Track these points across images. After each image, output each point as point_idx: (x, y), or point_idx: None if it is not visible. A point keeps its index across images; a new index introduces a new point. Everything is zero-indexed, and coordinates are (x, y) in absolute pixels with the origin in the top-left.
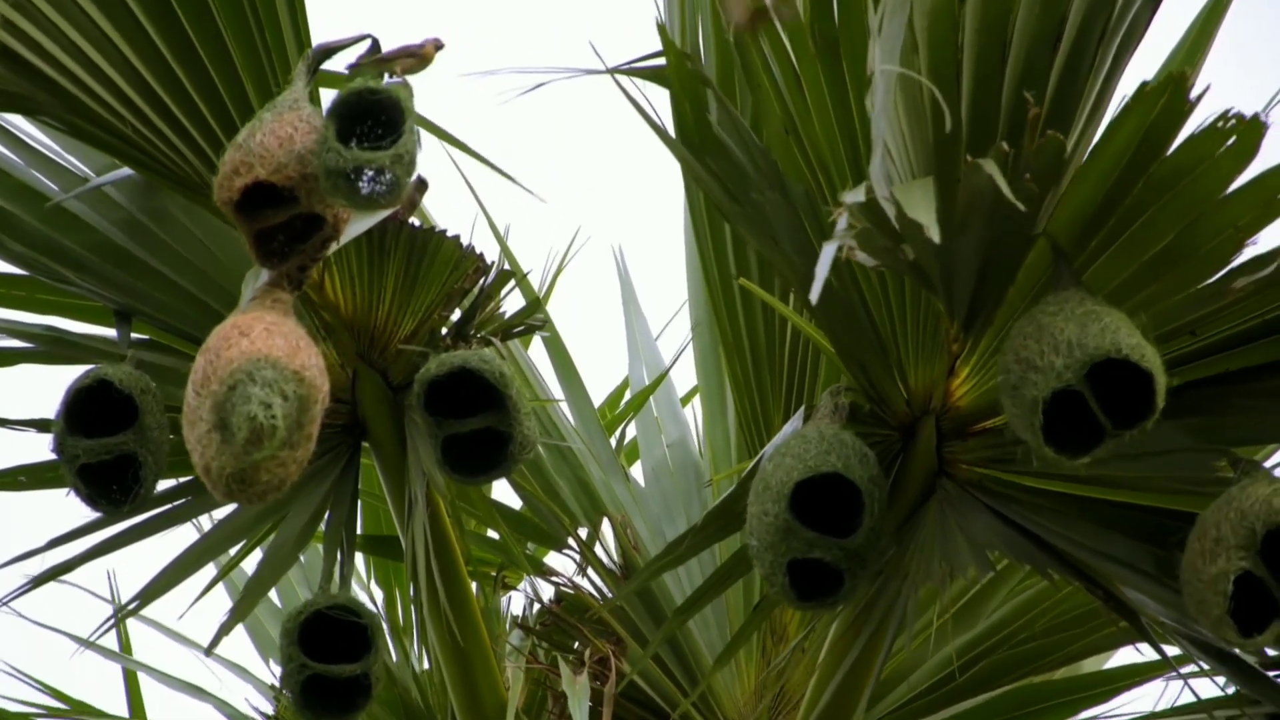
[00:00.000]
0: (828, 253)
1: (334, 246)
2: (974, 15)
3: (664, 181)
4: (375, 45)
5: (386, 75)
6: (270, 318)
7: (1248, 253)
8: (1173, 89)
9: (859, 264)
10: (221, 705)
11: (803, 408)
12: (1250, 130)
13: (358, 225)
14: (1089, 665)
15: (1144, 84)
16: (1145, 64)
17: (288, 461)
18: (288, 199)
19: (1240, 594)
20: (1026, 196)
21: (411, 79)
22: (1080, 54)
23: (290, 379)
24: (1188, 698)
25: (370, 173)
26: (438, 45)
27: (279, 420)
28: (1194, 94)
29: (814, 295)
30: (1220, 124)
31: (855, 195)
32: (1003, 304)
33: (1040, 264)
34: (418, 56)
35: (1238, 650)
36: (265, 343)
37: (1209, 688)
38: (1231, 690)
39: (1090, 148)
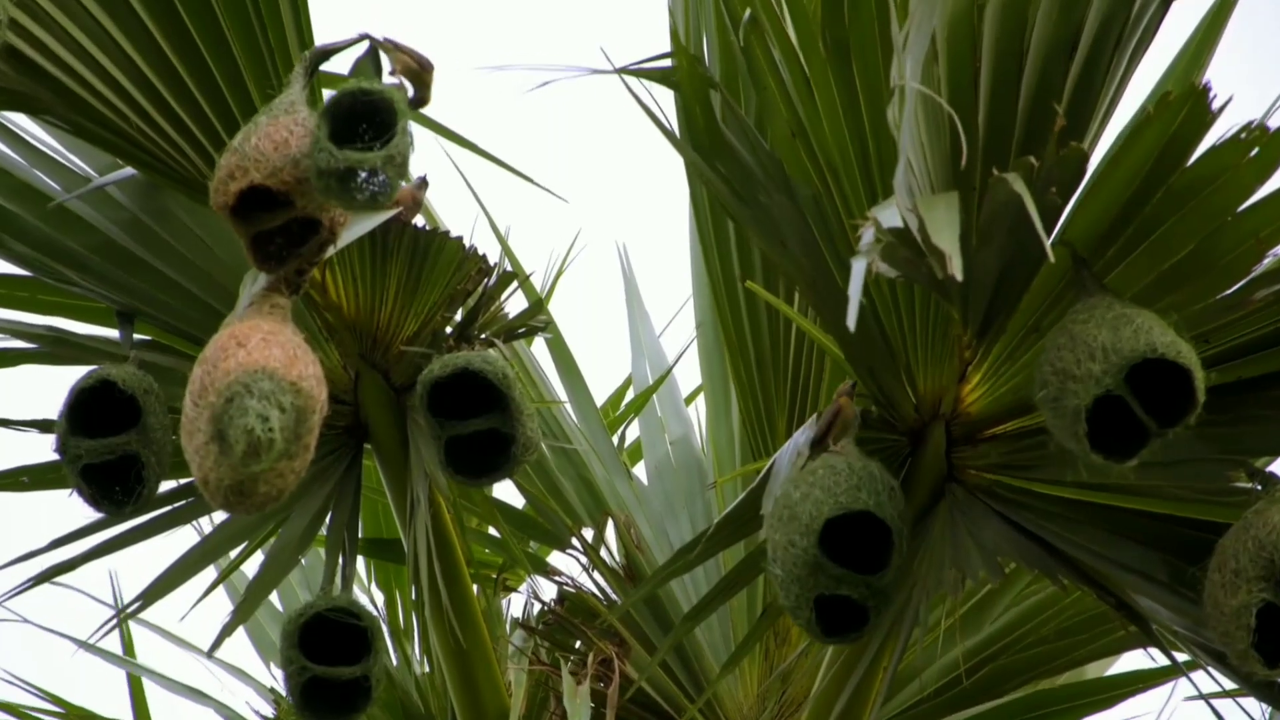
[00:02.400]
0: (858, 271)
1: (331, 250)
2: (992, 24)
3: (667, 180)
4: (373, 47)
5: (387, 70)
6: (267, 326)
7: (1268, 264)
8: (1195, 99)
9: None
10: (222, 709)
11: (814, 416)
12: (1273, 142)
13: (357, 227)
14: (1093, 671)
15: (1166, 94)
16: (1148, 66)
17: (285, 473)
18: (283, 203)
19: (1264, 624)
20: (1051, 209)
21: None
22: (1096, 61)
23: (287, 390)
24: (1194, 704)
25: (363, 174)
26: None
27: (276, 433)
28: (1216, 104)
29: (851, 321)
30: (1243, 135)
31: (888, 215)
32: (1016, 311)
33: (1055, 270)
34: (423, 67)
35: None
36: (262, 353)
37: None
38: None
39: (1102, 152)
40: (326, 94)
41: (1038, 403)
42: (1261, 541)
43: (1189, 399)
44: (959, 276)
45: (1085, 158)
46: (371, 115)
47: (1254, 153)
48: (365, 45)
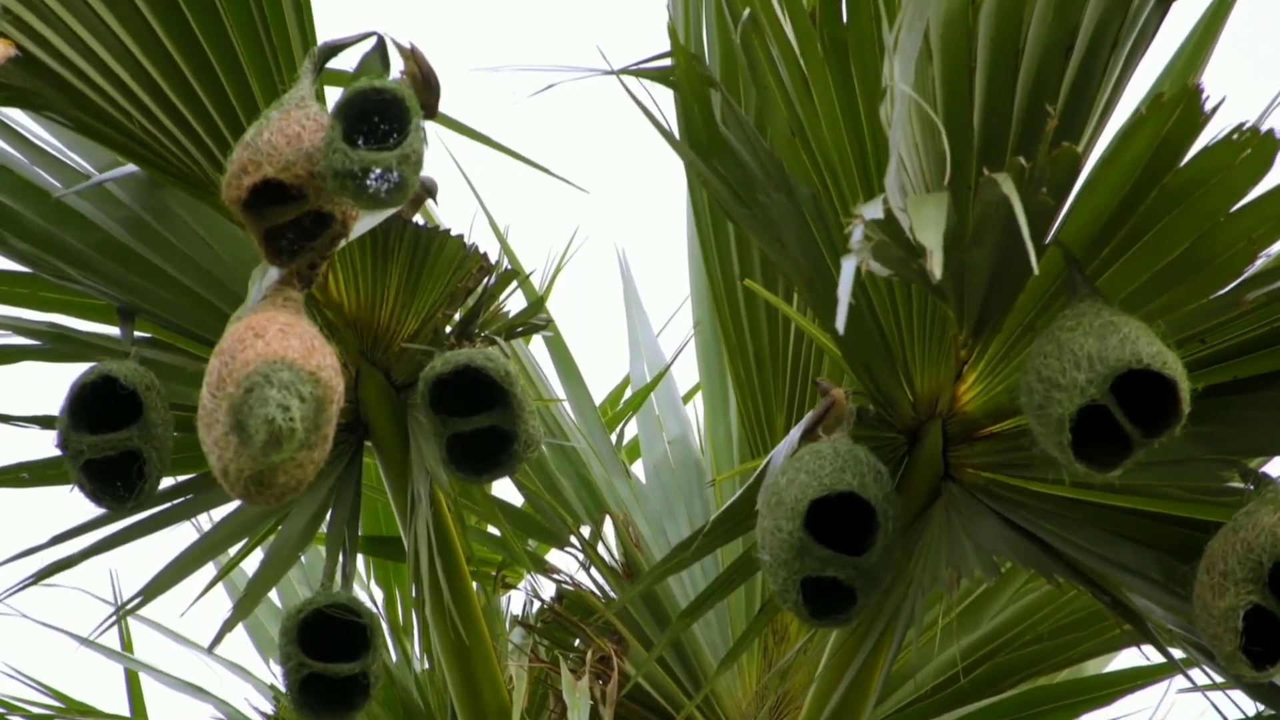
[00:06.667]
0: (848, 271)
1: (343, 243)
2: (987, 24)
3: (666, 179)
4: (381, 43)
5: (395, 69)
6: (283, 318)
7: (1260, 264)
8: (1188, 100)
9: (870, 271)
10: (221, 705)
11: (810, 413)
12: (1266, 143)
13: (363, 224)
14: (1091, 668)
15: (1159, 94)
16: (1148, 64)
17: (305, 463)
18: (296, 197)
19: (1252, 626)
20: (1041, 210)
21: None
22: (1092, 62)
23: (307, 380)
24: (1190, 701)
25: (377, 172)
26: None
27: (297, 422)
28: (1209, 105)
29: (840, 323)
30: (1235, 136)
31: (873, 210)
32: (1012, 310)
33: (1050, 270)
34: (429, 82)
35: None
36: (280, 344)
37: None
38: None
39: (1099, 154)
40: (330, 90)
41: (1023, 409)
42: (1250, 544)
43: (1175, 409)
44: (937, 273)
45: (1078, 159)
46: (383, 110)
47: (1247, 153)
48: (372, 42)
